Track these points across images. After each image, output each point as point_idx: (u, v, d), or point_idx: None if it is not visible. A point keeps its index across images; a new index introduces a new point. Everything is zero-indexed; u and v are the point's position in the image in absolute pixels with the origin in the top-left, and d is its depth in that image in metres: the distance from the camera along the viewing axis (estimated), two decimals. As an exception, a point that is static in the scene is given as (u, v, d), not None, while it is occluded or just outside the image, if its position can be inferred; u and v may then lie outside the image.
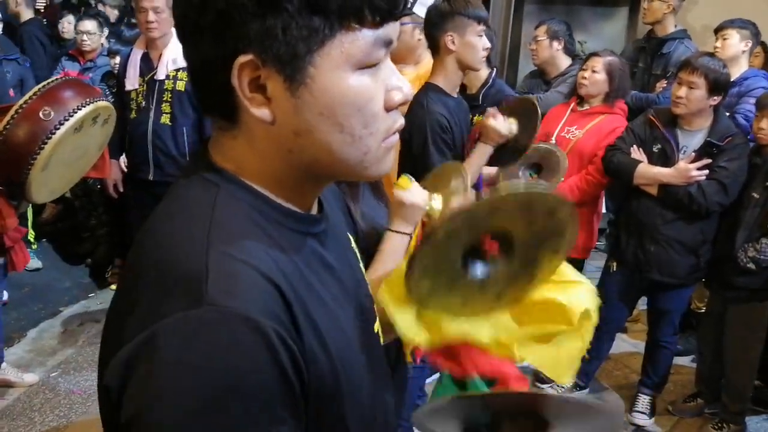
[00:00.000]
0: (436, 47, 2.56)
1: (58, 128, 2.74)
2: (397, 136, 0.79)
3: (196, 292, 0.65)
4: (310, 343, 0.70)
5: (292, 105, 0.71)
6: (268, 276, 0.68)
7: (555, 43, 4.06)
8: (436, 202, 1.72)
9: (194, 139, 3.55)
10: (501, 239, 1.00)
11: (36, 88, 2.82)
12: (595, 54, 3.53)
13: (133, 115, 3.61)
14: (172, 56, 3.52)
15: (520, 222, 0.98)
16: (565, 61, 4.11)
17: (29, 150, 2.75)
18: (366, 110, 0.73)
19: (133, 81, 3.58)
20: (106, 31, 4.99)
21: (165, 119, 3.55)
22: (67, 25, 5.29)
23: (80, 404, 3.33)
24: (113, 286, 4.58)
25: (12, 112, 2.75)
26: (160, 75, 3.51)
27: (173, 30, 3.50)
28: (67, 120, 2.77)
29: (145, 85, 3.57)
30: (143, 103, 3.57)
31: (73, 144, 2.92)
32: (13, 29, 5.12)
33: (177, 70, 3.52)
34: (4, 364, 3.43)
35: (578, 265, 3.69)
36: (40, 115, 2.75)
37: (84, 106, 2.81)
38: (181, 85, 3.52)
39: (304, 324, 0.70)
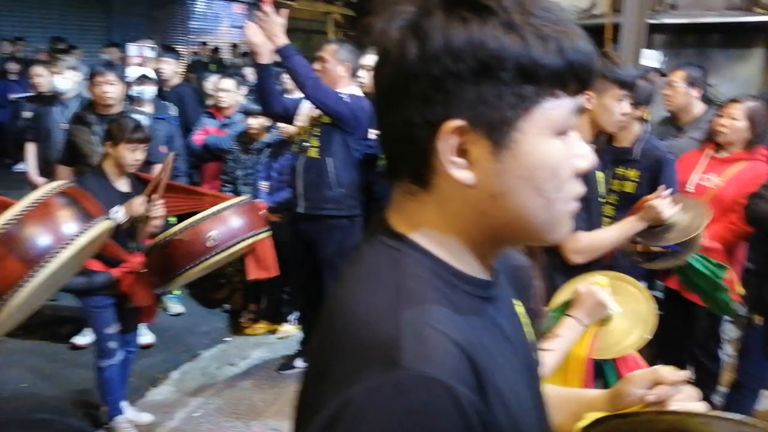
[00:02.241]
0: None
1: (216, 255, 2.96)
2: (577, 203, 0.81)
3: (390, 357, 0.66)
4: (495, 409, 0.71)
5: (494, 169, 0.73)
6: (456, 342, 0.70)
7: (692, 90, 3.95)
8: (615, 309, 1.84)
9: (342, 175, 3.75)
10: None
11: (214, 209, 3.04)
12: (734, 100, 3.42)
13: (294, 149, 3.92)
14: None
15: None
16: (699, 108, 3.99)
17: (181, 264, 2.97)
18: (560, 175, 0.76)
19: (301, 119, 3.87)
20: (243, 90, 5.33)
21: (313, 153, 3.76)
22: (211, 84, 5.69)
23: (221, 445, 3.47)
24: (247, 331, 4.80)
25: (183, 225, 2.97)
26: (315, 111, 3.76)
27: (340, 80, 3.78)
28: (226, 251, 2.96)
29: (308, 122, 3.81)
30: (302, 137, 3.82)
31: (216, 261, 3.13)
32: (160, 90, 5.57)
33: None
34: (121, 417, 3.48)
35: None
36: (207, 243, 2.94)
37: (250, 238, 3.03)
38: (326, 119, 3.73)
39: (490, 391, 0.71)
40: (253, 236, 3.06)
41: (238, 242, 3.00)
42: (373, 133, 4.08)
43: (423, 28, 0.72)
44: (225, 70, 8.56)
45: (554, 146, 0.75)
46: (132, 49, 6.01)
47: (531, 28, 0.71)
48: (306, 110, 3.88)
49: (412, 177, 0.77)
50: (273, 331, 4.79)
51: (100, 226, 2.45)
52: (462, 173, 0.74)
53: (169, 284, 3.12)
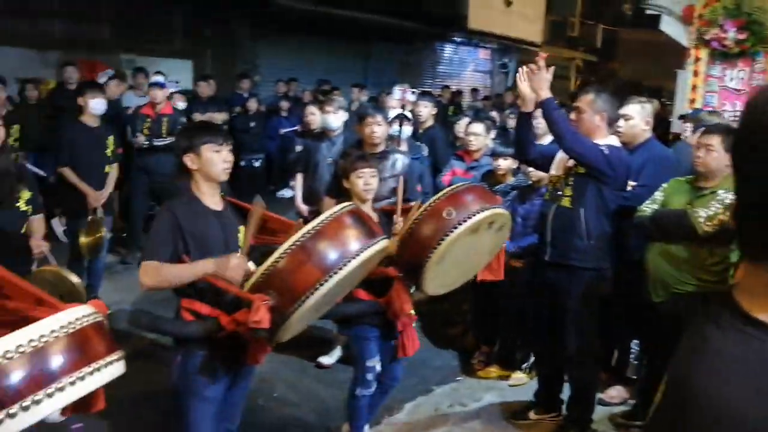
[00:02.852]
0: None
1: (457, 227, 3.03)
2: None
3: None
4: None
5: None
6: None
7: None
8: None
9: (593, 226, 3.68)
10: None
11: (445, 191, 3.18)
12: None
13: (546, 196, 3.93)
14: None
15: None
16: None
17: (430, 243, 3.07)
18: None
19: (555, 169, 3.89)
20: (492, 134, 5.43)
21: (566, 202, 3.73)
22: (461, 127, 5.89)
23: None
24: (479, 373, 4.80)
25: (422, 209, 3.13)
26: (570, 160, 3.74)
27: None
28: (466, 221, 3.05)
29: (562, 171, 3.82)
30: (555, 185, 3.83)
31: (468, 244, 3.18)
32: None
33: None
34: None
35: None
36: (444, 214, 3.07)
37: (482, 211, 3.09)
38: (581, 169, 3.69)
39: None
40: (489, 209, 3.10)
41: (475, 214, 3.05)
42: (630, 185, 3.93)
43: None
44: (462, 113, 8.81)
45: None
46: (396, 92, 6.44)
47: None
48: (560, 158, 3.85)
49: None
50: (505, 377, 4.74)
51: (381, 244, 2.68)
52: None
53: (420, 278, 3.19)
